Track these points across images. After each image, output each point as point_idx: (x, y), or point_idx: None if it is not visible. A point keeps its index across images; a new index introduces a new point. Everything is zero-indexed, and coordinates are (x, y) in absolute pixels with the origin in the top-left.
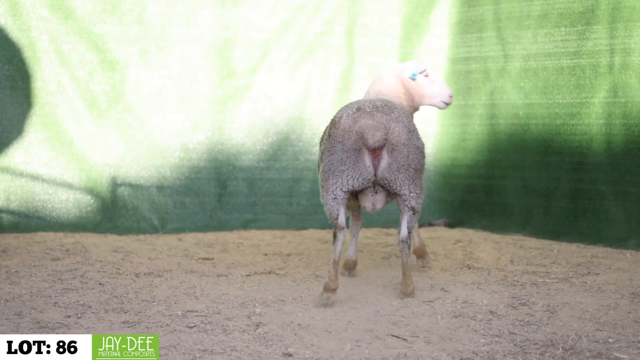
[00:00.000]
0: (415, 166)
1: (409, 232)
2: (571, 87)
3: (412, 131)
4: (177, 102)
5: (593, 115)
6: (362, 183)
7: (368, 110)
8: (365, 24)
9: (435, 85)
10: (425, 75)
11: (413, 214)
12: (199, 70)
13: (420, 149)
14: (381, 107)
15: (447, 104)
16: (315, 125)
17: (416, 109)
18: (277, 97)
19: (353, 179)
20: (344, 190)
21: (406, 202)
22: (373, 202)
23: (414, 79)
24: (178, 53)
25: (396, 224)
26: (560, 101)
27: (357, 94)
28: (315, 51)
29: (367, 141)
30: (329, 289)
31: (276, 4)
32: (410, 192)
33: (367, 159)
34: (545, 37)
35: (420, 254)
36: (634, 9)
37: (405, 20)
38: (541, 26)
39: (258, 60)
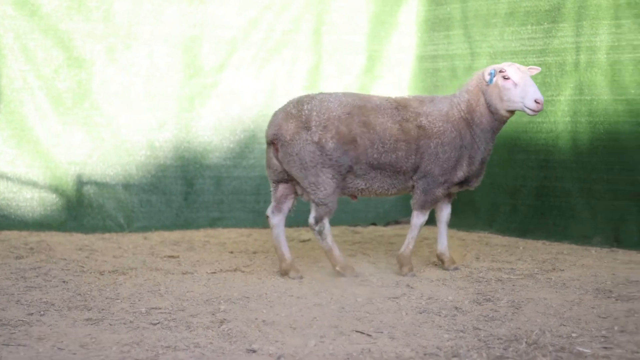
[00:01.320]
0: (307, 163)
1: (316, 221)
2: (538, 84)
3: (307, 128)
4: (143, 100)
5: (559, 113)
6: (273, 174)
7: (286, 107)
8: (332, 22)
9: (519, 88)
10: (506, 78)
11: (317, 206)
12: (165, 68)
13: (317, 145)
14: (297, 104)
15: (533, 110)
16: None
17: (503, 114)
18: (244, 95)
19: (267, 169)
20: (270, 179)
21: (308, 194)
22: (301, 191)
23: (488, 85)
24: (145, 51)
25: (363, 221)
26: None
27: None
28: (283, 49)
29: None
30: None
31: (243, 2)
32: (306, 186)
33: (270, 151)
34: (512, 35)
35: (401, 261)
36: (599, 7)
37: (373, 18)
38: (508, 24)
39: (225, 58)
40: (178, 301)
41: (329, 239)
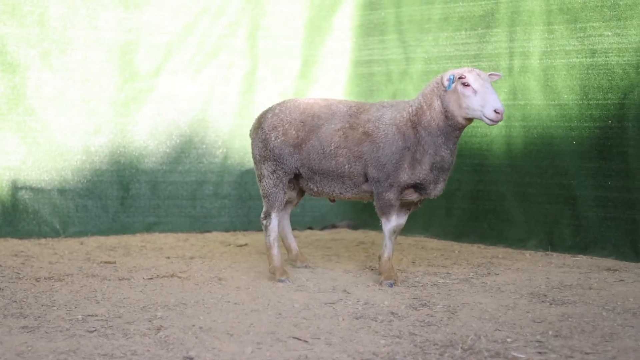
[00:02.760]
0: (256, 157)
1: (264, 215)
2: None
3: (259, 128)
4: (78, 105)
5: None
6: None
7: None
8: (268, 27)
9: (478, 96)
10: (465, 85)
11: (263, 199)
12: (101, 72)
13: (263, 142)
14: (268, 108)
15: (492, 120)
16: (219, 128)
17: (460, 121)
18: (180, 100)
19: None
20: None
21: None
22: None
23: (446, 90)
24: (80, 55)
25: (299, 225)
26: None
27: (260, 97)
28: (219, 54)
29: None
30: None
31: (179, 6)
32: (257, 180)
33: None
34: (446, 41)
35: (379, 269)
36: (532, 13)
37: (309, 23)
38: (442, 29)
39: (161, 62)
40: (115, 308)
41: (272, 237)
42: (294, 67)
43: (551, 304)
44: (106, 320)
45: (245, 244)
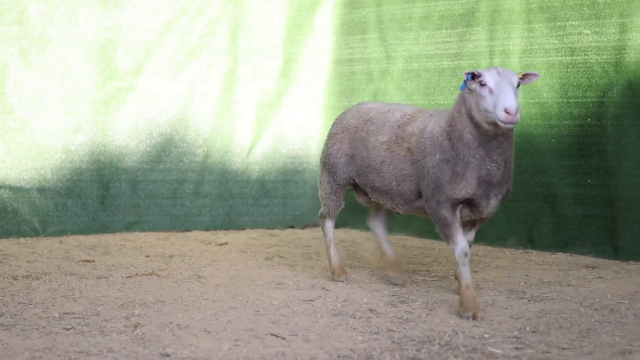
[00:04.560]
0: (320, 162)
1: (320, 216)
2: (452, 88)
3: (328, 134)
4: (58, 104)
5: None
6: None
7: None
8: (249, 26)
9: (493, 96)
10: (482, 84)
11: (321, 202)
12: (80, 71)
13: (325, 147)
14: None
15: (503, 122)
16: (200, 127)
17: (486, 128)
18: (161, 99)
19: None
20: None
21: None
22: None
23: (462, 90)
24: (59, 54)
25: (280, 224)
26: (442, 102)
27: (241, 96)
28: (199, 53)
29: None
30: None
31: (159, 5)
32: None
33: None
34: (427, 39)
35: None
36: (512, 11)
37: (289, 22)
38: (423, 28)
39: (141, 61)
40: (92, 306)
41: (327, 238)
42: (275, 66)
43: (529, 301)
44: (83, 317)
45: (226, 243)
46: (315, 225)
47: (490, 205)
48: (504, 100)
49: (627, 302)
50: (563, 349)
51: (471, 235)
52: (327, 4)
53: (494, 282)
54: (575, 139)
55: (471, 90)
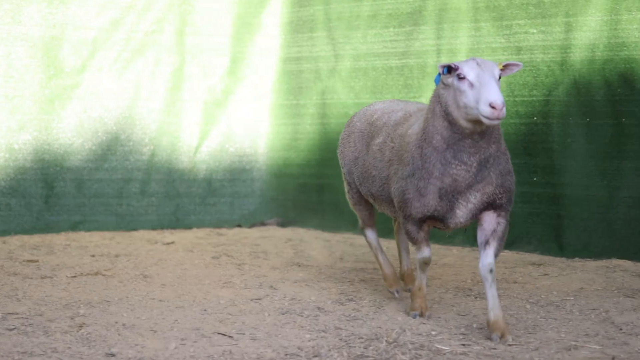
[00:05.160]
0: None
1: (360, 226)
2: (400, 86)
3: (339, 141)
4: (2, 102)
5: None
6: None
7: None
8: (196, 23)
9: (474, 90)
10: (461, 77)
11: None
12: (24, 69)
13: (339, 154)
14: None
15: (488, 118)
16: (146, 125)
17: (463, 126)
18: (106, 97)
19: None
20: None
21: None
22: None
23: (437, 85)
24: (3, 51)
25: (228, 223)
26: None
27: (188, 94)
28: (146, 50)
29: None
30: None
31: (105, 2)
32: None
33: None
34: (375, 38)
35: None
36: (459, 10)
37: (237, 19)
38: (370, 27)
39: (86, 58)
40: (36, 306)
41: (372, 248)
42: (222, 64)
43: (476, 298)
44: (27, 318)
45: (172, 242)
46: (263, 224)
47: (457, 216)
48: (487, 94)
49: (572, 298)
50: (509, 345)
51: (486, 257)
52: (275, 2)
53: (441, 279)
54: (521, 137)
55: (447, 85)
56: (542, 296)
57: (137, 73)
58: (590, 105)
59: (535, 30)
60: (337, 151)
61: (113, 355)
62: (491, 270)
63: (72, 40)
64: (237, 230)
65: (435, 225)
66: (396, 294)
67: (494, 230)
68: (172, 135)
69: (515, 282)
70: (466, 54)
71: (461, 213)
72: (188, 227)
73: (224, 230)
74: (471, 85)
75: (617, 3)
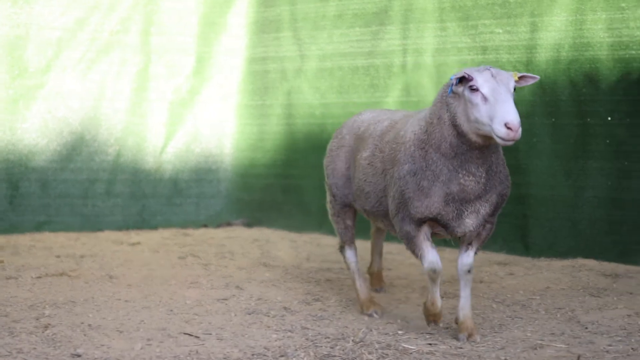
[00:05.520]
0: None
1: (339, 246)
2: (366, 86)
3: (327, 151)
4: None
5: None
6: None
7: None
8: (161, 23)
9: (488, 105)
10: (474, 89)
11: None
12: None
13: (325, 164)
14: None
15: (503, 139)
16: (112, 125)
17: (473, 139)
18: (71, 97)
19: None
20: None
21: None
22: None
23: (448, 96)
24: None
25: (194, 224)
26: (356, 100)
27: (153, 94)
28: (111, 50)
29: None
30: None
31: (70, 1)
32: None
33: None
34: (341, 38)
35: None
36: (425, 10)
37: (202, 19)
38: (336, 27)
39: (51, 58)
40: (1, 307)
41: (350, 269)
42: (188, 64)
43: (442, 297)
44: None
45: (138, 243)
46: (229, 224)
47: (466, 224)
48: (503, 113)
49: (538, 298)
50: (476, 344)
51: (467, 257)
52: (241, 2)
53: (408, 279)
54: None
55: (456, 94)
56: (508, 295)
57: (102, 73)
58: (555, 105)
59: (500, 30)
60: (324, 161)
61: (79, 355)
62: (469, 271)
63: (37, 40)
64: (203, 230)
65: (435, 231)
66: (375, 315)
67: (479, 234)
68: (138, 135)
69: (481, 282)
70: (432, 54)
71: (471, 222)
72: (154, 227)
73: (190, 231)
74: (485, 99)
75: (582, 3)
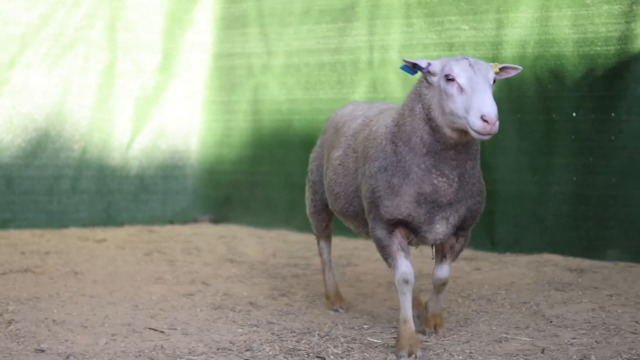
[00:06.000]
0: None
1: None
2: (333, 82)
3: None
4: None
5: None
6: None
7: None
8: (127, 19)
9: (464, 96)
10: (449, 79)
11: None
12: None
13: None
14: None
15: (478, 132)
16: (77, 122)
17: (447, 134)
18: (36, 93)
19: None
20: None
21: None
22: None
23: (427, 82)
24: None
25: (160, 220)
26: (323, 97)
27: (119, 90)
28: (76, 46)
29: None
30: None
31: None
32: None
33: None
34: (307, 34)
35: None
36: (391, 6)
37: (168, 15)
38: (303, 23)
39: (15, 54)
40: None
41: (322, 260)
42: (154, 60)
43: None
44: None
45: (104, 239)
46: (196, 220)
47: (437, 231)
48: (480, 104)
49: (503, 292)
50: (442, 337)
51: (442, 270)
52: None
53: (374, 274)
54: None
55: (430, 85)
56: (474, 290)
57: (67, 69)
58: (521, 102)
59: (466, 27)
60: (310, 155)
61: (42, 351)
62: (444, 284)
63: (1, 35)
64: (169, 227)
65: (408, 237)
66: (340, 310)
67: (452, 247)
68: (104, 131)
69: None
70: (398, 50)
71: (441, 229)
72: (120, 224)
73: (156, 228)
74: (461, 89)
75: (547, 0)
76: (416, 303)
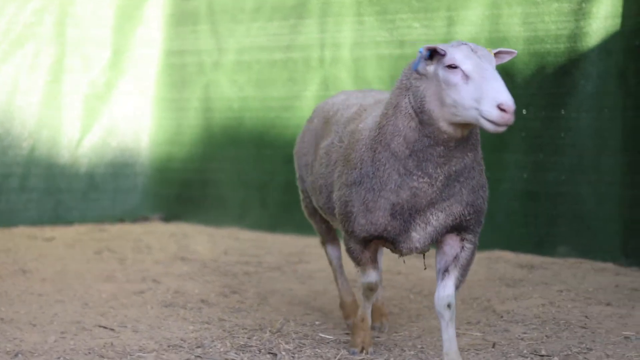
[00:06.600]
0: None
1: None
2: (284, 80)
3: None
4: None
5: (305, 108)
6: None
7: None
8: (77, 15)
9: (472, 84)
10: (452, 67)
11: None
12: None
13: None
14: None
15: (495, 123)
16: (25, 119)
17: (443, 129)
18: None
19: None
20: None
21: None
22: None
23: (416, 74)
24: None
25: (110, 219)
26: (274, 94)
27: (68, 86)
28: (25, 42)
29: None
30: None
31: None
32: None
33: None
34: (259, 31)
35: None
36: (343, 4)
37: (119, 11)
38: (254, 20)
39: None
40: None
41: (332, 267)
42: (104, 56)
43: (359, 289)
44: None
45: (53, 238)
46: (146, 219)
47: (412, 239)
48: (494, 93)
49: None
50: (395, 333)
51: (443, 288)
52: None
53: (326, 272)
54: None
55: (423, 75)
56: (426, 286)
57: (15, 65)
58: None
59: (418, 25)
60: (294, 150)
61: None
62: (449, 305)
63: None
64: (119, 225)
65: (385, 246)
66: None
67: (456, 257)
68: (53, 129)
69: (399, 274)
70: (350, 48)
71: (418, 237)
72: (69, 222)
73: (106, 226)
74: (466, 77)
75: None
76: (378, 314)
